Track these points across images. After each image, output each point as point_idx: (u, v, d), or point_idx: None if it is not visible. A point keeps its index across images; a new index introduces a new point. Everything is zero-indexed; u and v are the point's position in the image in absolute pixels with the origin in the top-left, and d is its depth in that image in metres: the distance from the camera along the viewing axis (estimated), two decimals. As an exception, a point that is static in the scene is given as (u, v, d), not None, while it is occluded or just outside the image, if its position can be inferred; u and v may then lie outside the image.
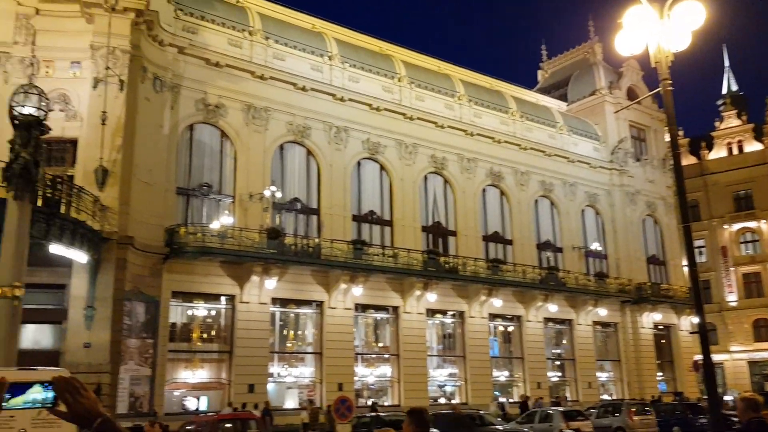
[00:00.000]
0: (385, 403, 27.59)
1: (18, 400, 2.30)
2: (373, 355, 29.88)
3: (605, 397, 36.38)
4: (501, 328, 34.49)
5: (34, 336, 20.68)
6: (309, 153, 29.45)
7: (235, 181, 26.97)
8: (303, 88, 28.95)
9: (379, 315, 30.09)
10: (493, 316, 33.27)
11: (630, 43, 7.91)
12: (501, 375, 33.84)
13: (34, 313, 19.36)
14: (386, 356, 29.95)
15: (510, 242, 35.40)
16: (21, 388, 2.31)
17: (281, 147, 28.70)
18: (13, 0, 22.98)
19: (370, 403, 27.21)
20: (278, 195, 27.16)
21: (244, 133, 27.38)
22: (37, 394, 2.32)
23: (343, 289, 27.59)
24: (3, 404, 2.23)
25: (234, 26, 28.04)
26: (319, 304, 27.86)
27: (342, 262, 27.24)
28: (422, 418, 4.18)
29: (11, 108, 17.96)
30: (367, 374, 29.16)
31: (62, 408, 2.31)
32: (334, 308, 27.83)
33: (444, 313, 31.94)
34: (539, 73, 50.22)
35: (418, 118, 32.46)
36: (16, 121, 17.85)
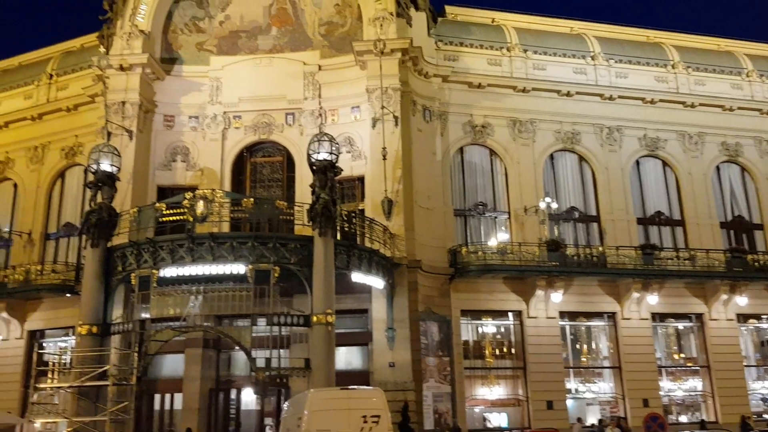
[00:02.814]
0: (702, 419, 24.94)
1: None
2: (679, 368, 27.35)
3: None
4: (835, 332, 29.36)
5: (346, 357, 22.80)
6: (581, 159, 28.46)
7: (509, 196, 27.02)
8: (568, 94, 28.18)
9: (681, 324, 27.53)
10: (824, 318, 28.47)
11: None
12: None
13: (344, 337, 21.48)
14: (694, 368, 27.23)
15: (837, 230, 30.09)
16: None
17: (551, 157, 28.15)
18: (300, 62, 26.23)
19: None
20: (554, 206, 26.57)
21: (511, 148, 27.46)
22: None
23: (635, 299, 25.89)
24: None
25: (492, 46, 28.42)
26: (611, 316, 26.47)
27: (631, 269, 25.61)
28: None
29: (309, 156, 20.48)
30: (674, 389, 26.74)
31: None
32: (628, 319, 26.21)
33: (758, 317, 28.17)
34: None
35: (701, 105, 29.42)
36: (314, 167, 20.26)
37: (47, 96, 28.46)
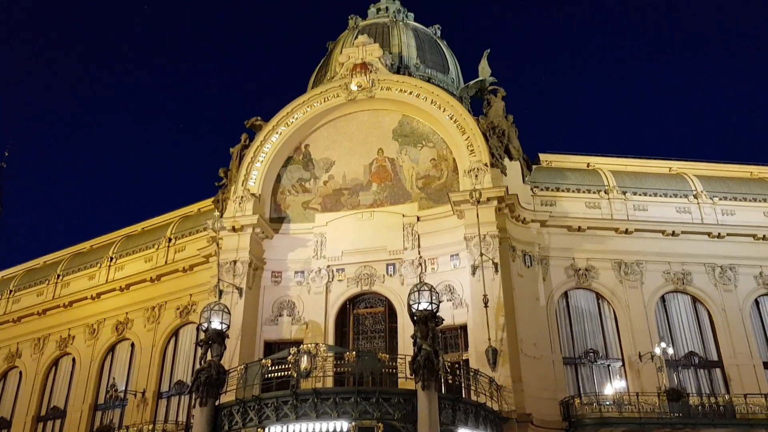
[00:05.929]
0: None
1: None
2: None
3: None
4: None
5: None
6: (695, 300, 27.14)
7: (620, 342, 25.87)
8: (673, 233, 27.46)
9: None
10: None
11: None
12: None
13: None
14: None
15: None
16: None
17: (662, 298, 27.04)
18: (399, 214, 27.21)
19: None
20: (669, 351, 25.05)
21: (619, 291, 26.63)
22: None
23: (774, 453, 23.26)
24: None
25: (589, 189, 28.51)
26: (748, 471, 23.75)
27: (763, 419, 23.24)
28: None
29: (409, 306, 20.52)
30: None
31: None
32: (767, 474, 23.46)
33: None
34: None
35: (820, 238, 27.83)
36: (415, 317, 20.19)
37: (165, 258, 30.58)
